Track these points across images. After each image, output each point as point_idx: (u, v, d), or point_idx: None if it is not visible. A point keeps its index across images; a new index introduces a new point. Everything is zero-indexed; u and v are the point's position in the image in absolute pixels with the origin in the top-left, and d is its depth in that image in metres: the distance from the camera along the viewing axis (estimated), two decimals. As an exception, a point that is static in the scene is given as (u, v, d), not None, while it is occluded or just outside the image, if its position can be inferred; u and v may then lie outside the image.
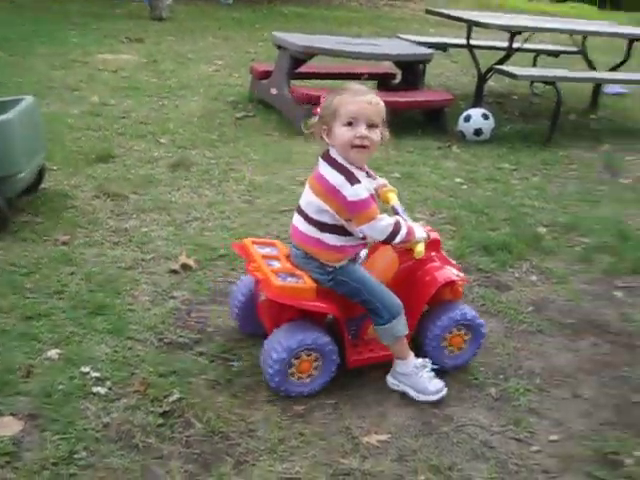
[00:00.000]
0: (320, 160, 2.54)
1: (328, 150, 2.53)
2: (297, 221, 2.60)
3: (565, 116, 7.14)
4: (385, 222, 2.51)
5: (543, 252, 3.93)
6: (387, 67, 6.59)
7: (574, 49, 7.83)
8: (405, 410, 2.57)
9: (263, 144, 5.30)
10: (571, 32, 7.27)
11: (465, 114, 5.88)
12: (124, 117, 5.72)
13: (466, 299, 3.24)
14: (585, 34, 7.47)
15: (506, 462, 2.36)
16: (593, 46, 10.30)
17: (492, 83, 8.15)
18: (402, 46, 6.40)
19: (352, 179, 2.45)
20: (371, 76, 6.65)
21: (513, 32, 6.47)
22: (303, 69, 6.19)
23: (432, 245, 2.75)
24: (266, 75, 6.28)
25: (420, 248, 2.61)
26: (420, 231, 2.65)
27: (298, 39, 6.04)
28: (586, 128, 6.88)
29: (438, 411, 2.58)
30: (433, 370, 2.68)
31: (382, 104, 2.55)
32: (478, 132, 5.81)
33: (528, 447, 2.45)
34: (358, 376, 2.70)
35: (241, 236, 3.64)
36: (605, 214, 4.60)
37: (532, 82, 7.75)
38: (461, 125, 5.88)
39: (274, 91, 5.99)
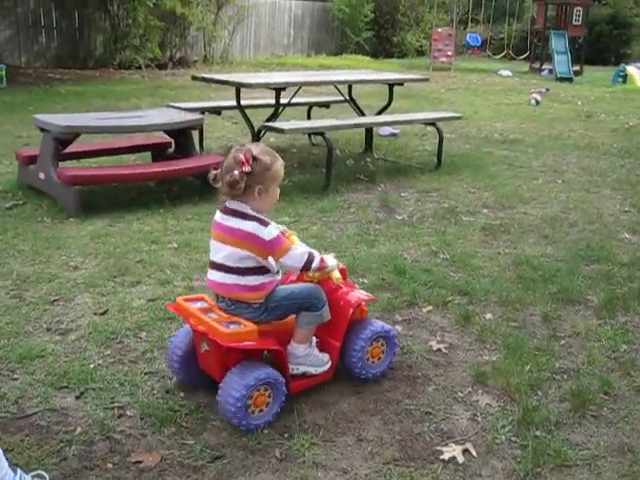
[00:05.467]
0: (223, 215, 2.85)
1: (226, 206, 2.84)
2: (216, 276, 2.89)
3: (343, 162, 7.43)
4: (300, 250, 2.90)
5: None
6: (161, 137, 6.52)
7: (342, 98, 8.16)
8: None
9: (33, 232, 5.01)
10: (335, 83, 7.59)
11: (241, 174, 5.90)
12: None
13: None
14: (349, 83, 7.83)
15: (291, 526, 2.30)
16: (362, 94, 10.89)
17: (272, 139, 8.33)
18: (170, 114, 6.36)
19: (263, 222, 2.79)
20: (145, 147, 6.55)
21: (277, 89, 6.63)
22: (75, 149, 5.99)
23: (340, 273, 3.07)
24: (33, 160, 6.00)
25: (337, 275, 3.01)
26: (331, 260, 3.01)
27: (59, 120, 5.83)
28: (363, 171, 7.15)
29: (222, 487, 2.48)
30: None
31: None
32: (256, 189, 5.85)
33: (313, 504, 2.40)
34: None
35: (7, 335, 3.44)
36: (382, 252, 4.76)
37: (310, 134, 7.98)
38: (239, 185, 5.89)
39: (42, 176, 5.72)
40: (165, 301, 3.87)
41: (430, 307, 3.97)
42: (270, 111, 7.05)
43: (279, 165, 2.87)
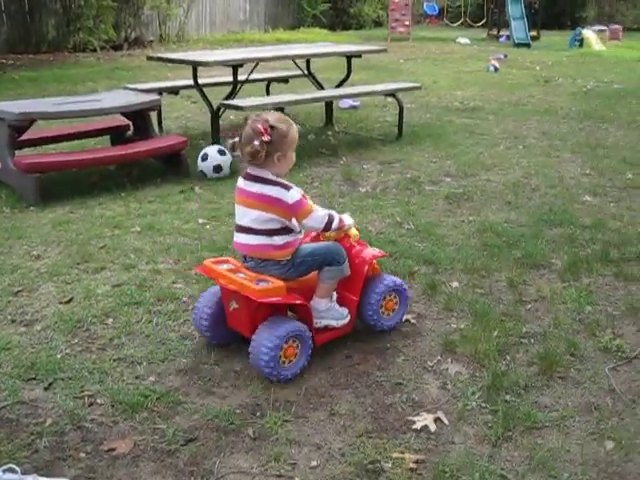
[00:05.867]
0: (246, 182, 3.04)
1: (248, 172, 3.02)
2: (243, 238, 3.08)
3: (304, 137, 7.38)
4: (321, 212, 3.08)
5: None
6: (119, 119, 6.42)
7: (300, 73, 8.10)
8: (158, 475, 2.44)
9: (-7, 223, 4.93)
10: (292, 57, 7.53)
11: (202, 153, 5.86)
12: None
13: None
14: (306, 57, 7.78)
15: (268, 503, 2.31)
16: (321, 67, 10.83)
17: (232, 117, 8.25)
18: (127, 97, 6.26)
19: (286, 187, 2.98)
20: (103, 131, 6.45)
21: (234, 66, 6.56)
22: (31, 136, 5.88)
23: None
24: (-12, 150, 5.87)
25: (354, 231, 3.25)
26: (348, 218, 3.23)
27: (13, 107, 5.71)
28: (324, 145, 7.13)
29: (197, 468, 2.47)
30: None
31: None
32: (217, 169, 5.81)
33: (289, 481, 2.41)
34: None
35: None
36: (346, 225, 4.75)
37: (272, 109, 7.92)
38: (200, 165, 5.85)
39: (-1, 165, 5.61)
40: (131, 285, 3.85)
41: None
42: (229, 89, 6.97)
43: (294, 131, 3.05)
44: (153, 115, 6.73)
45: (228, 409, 2.79)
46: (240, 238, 3.11)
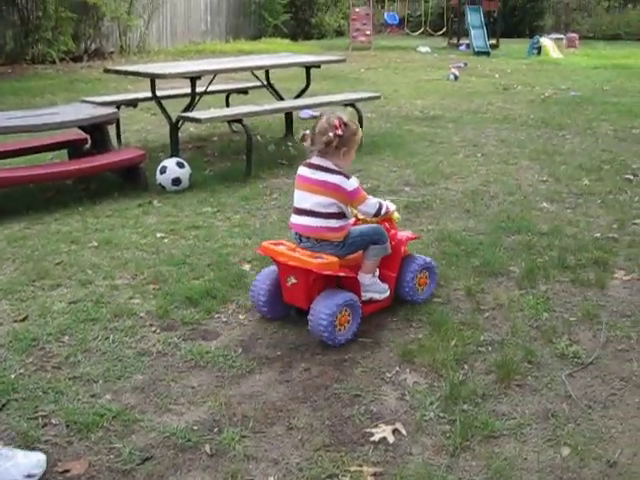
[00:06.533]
0: (310, 170, 3.43)
1: (311, 162, 3.43)
2: (303, 220, 3.45)
3: (264, 148, 7.38)
4: (374, 200, 3.55)
5: (248, 289, 3.92)
6: (77, 133, 6.35)
7: (259, 84, 8.09)
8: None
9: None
10: (250, 69, 7.52)
11: (160, 166, 5.81)
12: None
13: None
14: (264, 68, 7.78)
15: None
16: (282, 77, 10.85)
17: (192, 129, 8.22)
18: (84, 110, 6.20)
19: (347, 176, 3.43)
20: (61, 145, 6.38)
21: (192, 78, 6.53)
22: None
23: (389, 219, 3.74)
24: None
25: (397, 215, 3.77)
26: (392, 205, 3.70)
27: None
28: (284, 156, 7.13)
29: (153, 489, 2.44)
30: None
31: None
32: (176, 181, 5.77)
33: (245, 498, 2.39)
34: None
35: None
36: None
37: (229, 122, 7.90)
38: (159, 178, 5.80)
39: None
40: (88, 302, 3.80)
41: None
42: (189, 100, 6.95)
43: (360, 133, 3.54)
44: (112, 128, 6.68)
45: (185, 426, 2.77)
46: (299, 220, 3.48)
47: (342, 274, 3.42)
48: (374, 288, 3.62)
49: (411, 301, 3.77)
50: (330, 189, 3.38)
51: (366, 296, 3.56)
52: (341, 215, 3.45)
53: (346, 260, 3.52)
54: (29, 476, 2.47)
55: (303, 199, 3.45)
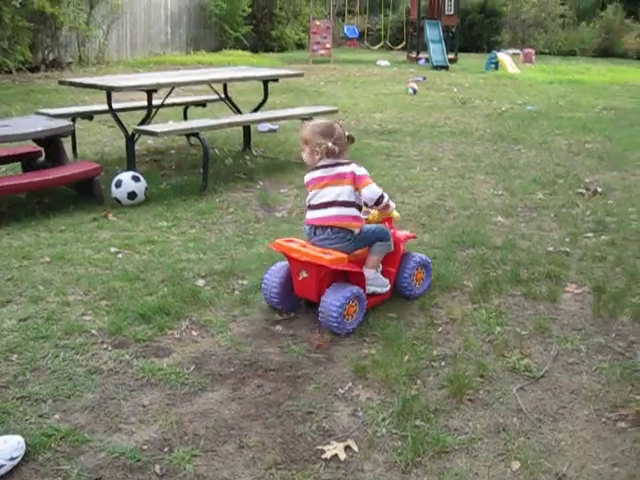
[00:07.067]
0: (322, 170, 3.78)
1: (323, 164, 3.77)
2: (324, 212, 3.76)
3: (222, 161, 7.36)
4: (378, 188, 3.83)
5: (202, 305, 3.91)
6: (30, 146, 6.26)
7: (217, 97, 8.08)
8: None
9: None
10: (207, 82, 7.50)
11: (116, 180, 5.76)
12: None
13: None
14: (221, 82, 7.76)
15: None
16: (243, 90, 10.84)
17: (150, 142, 8.16)
18: (38, 122, 6.11)
19: (358, 164, 3.85)
20: (14, 158, 6.28)
21: (148, 91, 6.49)
22: None
23: (388, 219, 4.07)
24: None
25: (396, 214, 4.06)
26: (392, 202, 3.99)
27: None
28: (242, 169, 7.11)
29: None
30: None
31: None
32: (132, 195, 5.72)
33: (194, 519, 2.37)
34: None
35: None
36: (261, 251, 4.74)
37: (187, 135, 7.86)
38: (114, 192, 5.74)
39: None
40: (38, 319, 3.73)
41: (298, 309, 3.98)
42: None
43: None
44: (67, 140, 6.60)
45: (135, 446, 2.73)
46: (320, 213, 3.77)
47: (350, 269, 3.73)
48: (377, 282, 3.91)
49: (408, 295, 4.06)
50: (348, 177, 3.75)
51: (369, 289, 3.85)
52: (358, 206, 3.82)
53: (353, 255, 3.81)
54: (12, 459, 2.60)
55: (323, 195, 3.77)
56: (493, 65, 19.03)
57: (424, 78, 16.12)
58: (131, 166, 6.45)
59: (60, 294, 4.07)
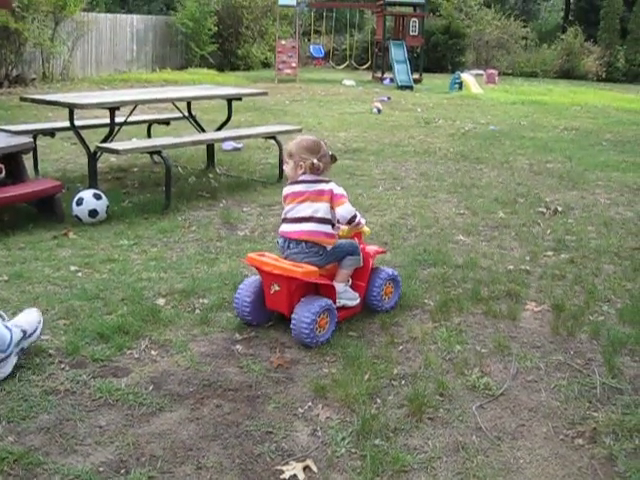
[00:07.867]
0: (303, 185, 3.87)
1: (303, 179, 3.87)
2: (302, 227, 3.86)
3: (185, 179, 7.34)
4: (351, 207, 3.92)
5: (162, 324, 3.87)
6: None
7: (181, 115, 8.06)
8: None
9: None
10: (170, 100, 7.48)
11: (77, 198, 5.69)
12: None
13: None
14: (185, 100, 7.74)
15: None
16: (208, 108, 10.83)
17: (113, 159, 8.10)
18: (-2, 139, 6.04)
19: (336, 184, 3.95)
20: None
21: (111, 108, 6.46)
22: None
23: (358, 234, 4.17)
24: None
25: (367, 229, 4.18)
26: (362, 219, 4.07)
27: None
28: (205, 188, 7.09)
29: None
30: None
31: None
32: (93, 213, 5.66)
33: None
34: None
35: None
36: (223, 270, 4.72)
37: (150, 153, 7.82)
38: (75, 209, 5.68)
39: None
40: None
41: (271, 322, 3.98)
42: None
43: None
44: (28, 158, 6.52)
45: (90, 468, 2.68)
46: (295, 227, 3.87)
47: (321, 281, 3.82)
48: (346, 295, 4.00)
49: (378, 309, 4.14)
50: (326, 195, 3.86)
51: (340, 302, 3.93)
52: (330, 222, 3.90)
53: (324, 270, 3.89)
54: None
55: (300, 210, 3.87)
56: (457, 85, 19.28)
57: (389, 98, 16.27)
58: (93, 184, 6.40)
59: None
